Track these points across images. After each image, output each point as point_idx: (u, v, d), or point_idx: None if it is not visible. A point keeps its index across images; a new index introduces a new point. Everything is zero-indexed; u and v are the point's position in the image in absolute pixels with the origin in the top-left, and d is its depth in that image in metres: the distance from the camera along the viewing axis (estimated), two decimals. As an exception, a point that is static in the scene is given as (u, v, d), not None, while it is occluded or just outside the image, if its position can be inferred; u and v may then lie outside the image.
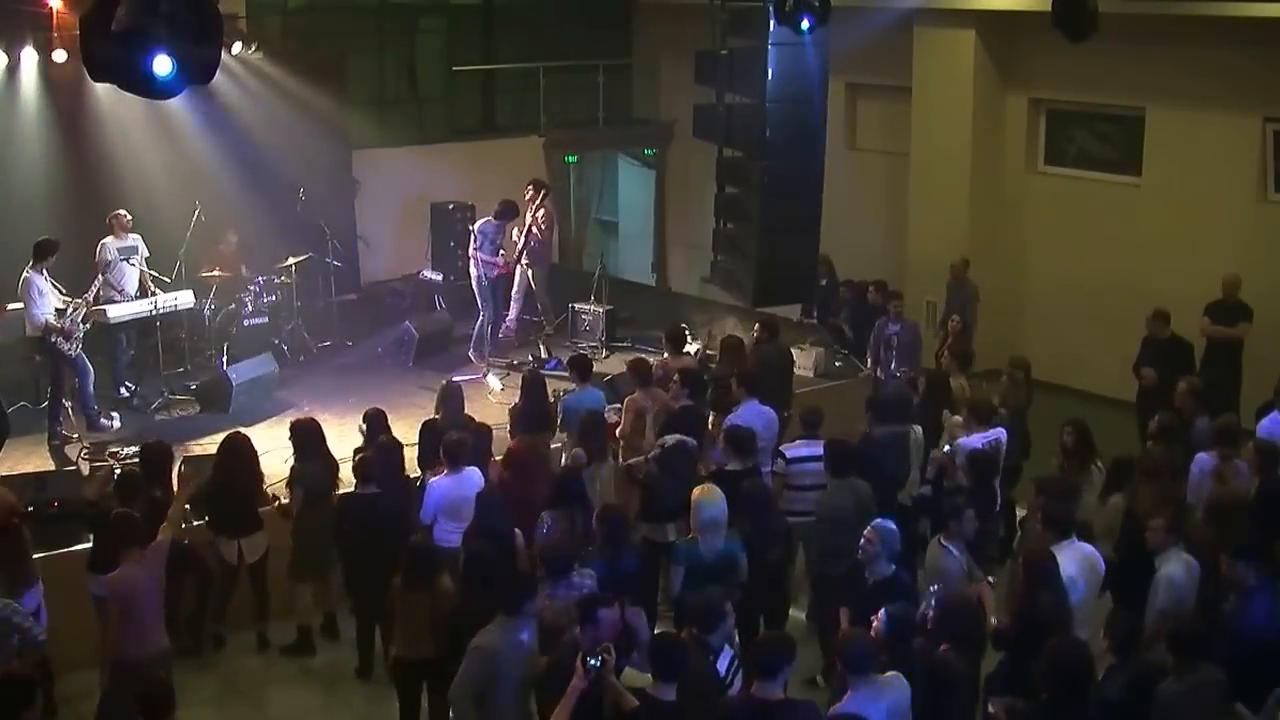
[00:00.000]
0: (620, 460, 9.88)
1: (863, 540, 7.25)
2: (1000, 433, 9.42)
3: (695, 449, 9.19)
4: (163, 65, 5.53)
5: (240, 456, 9.11)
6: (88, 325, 11.16)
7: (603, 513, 7.83)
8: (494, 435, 9.82)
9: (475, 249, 13.27)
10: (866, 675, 6.01)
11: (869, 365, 12.69)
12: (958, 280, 13.67)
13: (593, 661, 5.82)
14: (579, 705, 5.87)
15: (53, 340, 10.88)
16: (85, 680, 8.44)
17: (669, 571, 8.11)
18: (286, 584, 9.26)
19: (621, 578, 7.42)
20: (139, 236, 12.09)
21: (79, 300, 11.06)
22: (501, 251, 13.29)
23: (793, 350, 12.22)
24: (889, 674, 6.09)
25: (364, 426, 9.55)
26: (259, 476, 9.19)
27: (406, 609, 7.50)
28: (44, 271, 10.91)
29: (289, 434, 9.43)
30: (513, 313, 13.99)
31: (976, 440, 9.14)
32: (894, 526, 7.34)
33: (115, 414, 11.63)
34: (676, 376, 10.14)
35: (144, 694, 6.10)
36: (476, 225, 13.42)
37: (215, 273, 13.09)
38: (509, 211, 13.35)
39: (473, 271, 13.36)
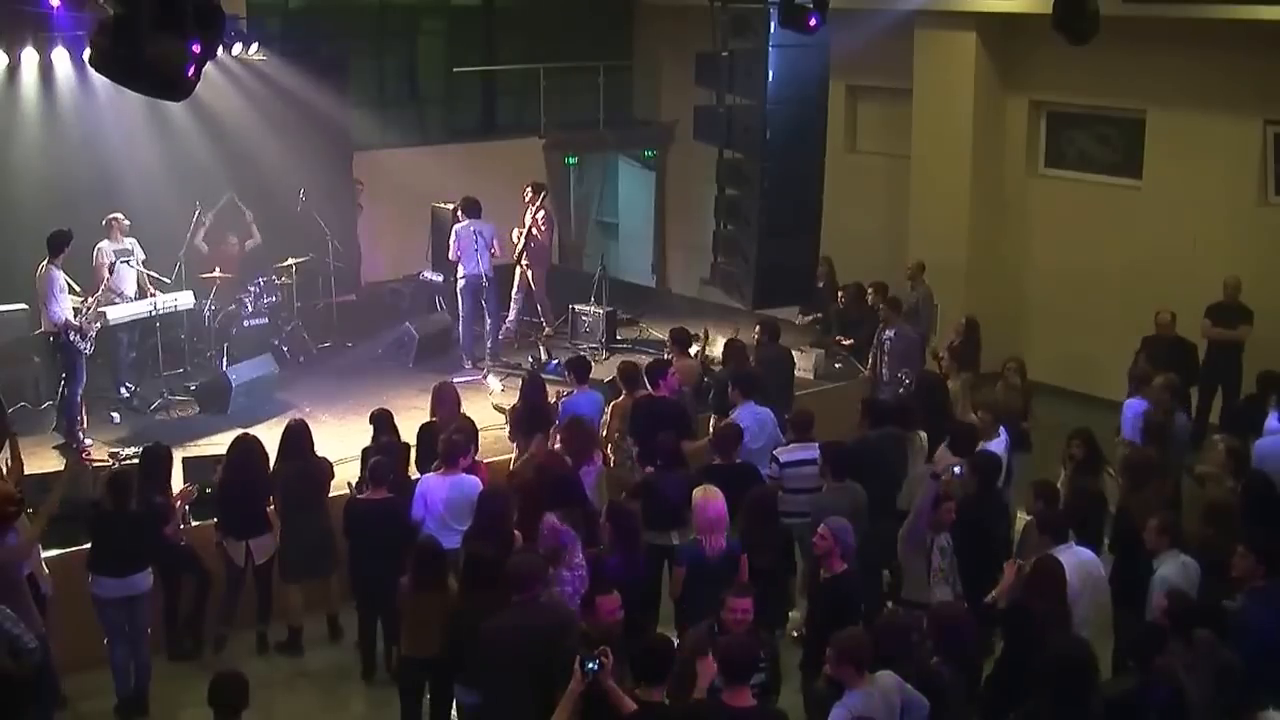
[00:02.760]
0: (610, 465, 9.90)
1: (815, 538, 7.32)
2: (1006, 439, 9.45)
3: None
4: (193, 68, 5.54)
5: (250, 458, 9.11)
6: (98, 325, 11.09)
7: (613, 513, 7.82)
8: (490, 435, 9.83)
9: (475, 249, 13.17)
10: (862, 675, 6.02)
11: (869, 368, 12.69)
12: (913, 284, 13.64)
13: (590, 665, 5.84)
14: (577, 708, 5.89)
15: (70, 337, 10.79)
16: (86, 680, 8.45)
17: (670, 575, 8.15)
18: (276, 585, 9.28)
19: (635, 577, 7.49)
20: (134, 240, 12.08)
21: (90, 300, 11.00)
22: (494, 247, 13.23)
23: (793, 352, 12.22)
24: (881, 672, 6.11)
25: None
26: (268, 478, 9.19)
27: (415, 608, 7.51)
28: (60, 265, 10.83)
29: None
30: (511, 314, 13.97)
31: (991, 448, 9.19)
32: (847, 524, 7.39)
33: (116, 414, 11.63)
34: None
35: (215, 689, 6.05)
36: (474, 228, 13.19)
37: (216, 273, 13.07)
38: (474, 209, 13.22)
39: (469, 273, 13.25)
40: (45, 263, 10.82)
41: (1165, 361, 11.41)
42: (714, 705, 6.01)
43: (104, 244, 11.82)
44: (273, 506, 9.19)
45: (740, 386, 10.04)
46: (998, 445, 9.20)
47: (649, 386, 10.14)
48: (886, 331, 12.34)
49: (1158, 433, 9.48)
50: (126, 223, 11.94)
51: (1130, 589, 7.67)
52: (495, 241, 13.21)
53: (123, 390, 12.05)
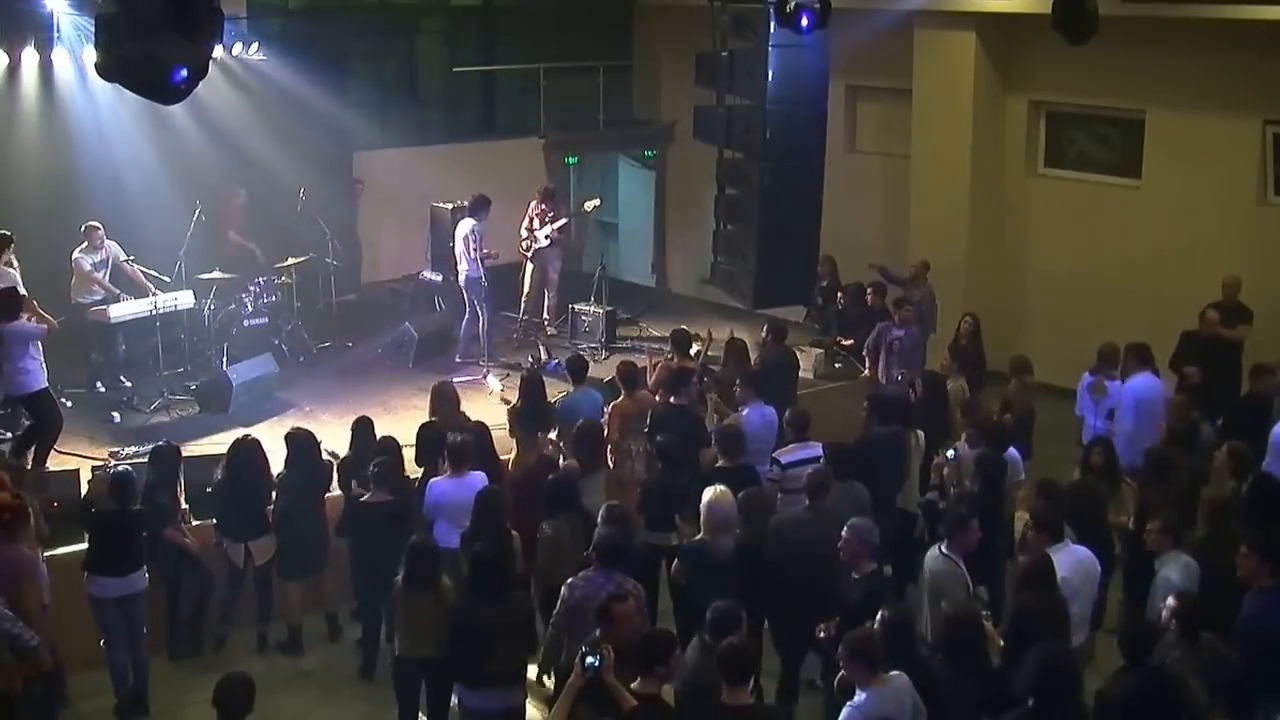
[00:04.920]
0: (611, 466, 9.90)
1: (841, 542, 7.31)
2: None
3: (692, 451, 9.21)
4: (181, 72, 5.53)
5: (249, 459, 9.11)
6: None
7: (610, 513, 7.85)
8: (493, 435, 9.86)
9: (464, 250, 13.15)
10: (875, 674, 6.03)
11: (868, 368, 12.67)
12: (916, 283, 13.63)
13: (591, 660, 5.85)
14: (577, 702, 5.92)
15: None
16: (86, 680, 8.45)
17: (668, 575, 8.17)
18: (276, 584, 9.29)
19: (642, 574, 7.55)
20: (114, 244, 12.07)
21: None
22: (486, 251, 13.20)
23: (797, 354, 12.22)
24: (893, 673, 6.11)
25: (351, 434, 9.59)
26: (268, 479, 9.21)
27: (409, 609, 7.52)
28: None
29: (285, 441, 9.42)
30: (524, 312, 13.97)
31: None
32: (870, 524, 7.40)
33: (116, 414, 11.63)
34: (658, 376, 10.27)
35: (221, 691, 5.99)
36: (469, 227, 13.19)
37: (215, 273, 13.06)
38: (481, 207, 13.26)
39: (467, 273, 13.26)
40: None
41: (1200, 359, 11.37)
42: (713, 706, 6.01)
43: (80, 255, 11.87)
44: (272, 507, 9.20)
45: (751, 385, 10.04)
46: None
47: (671, 396, 10.08)
48: (894, 330, 12.29)
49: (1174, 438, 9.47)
50: (101, 234, 11.95)
51: (1145, 586, 7.71)
52: (476, 240, 13.21)
53: (122, 380, 12.04)
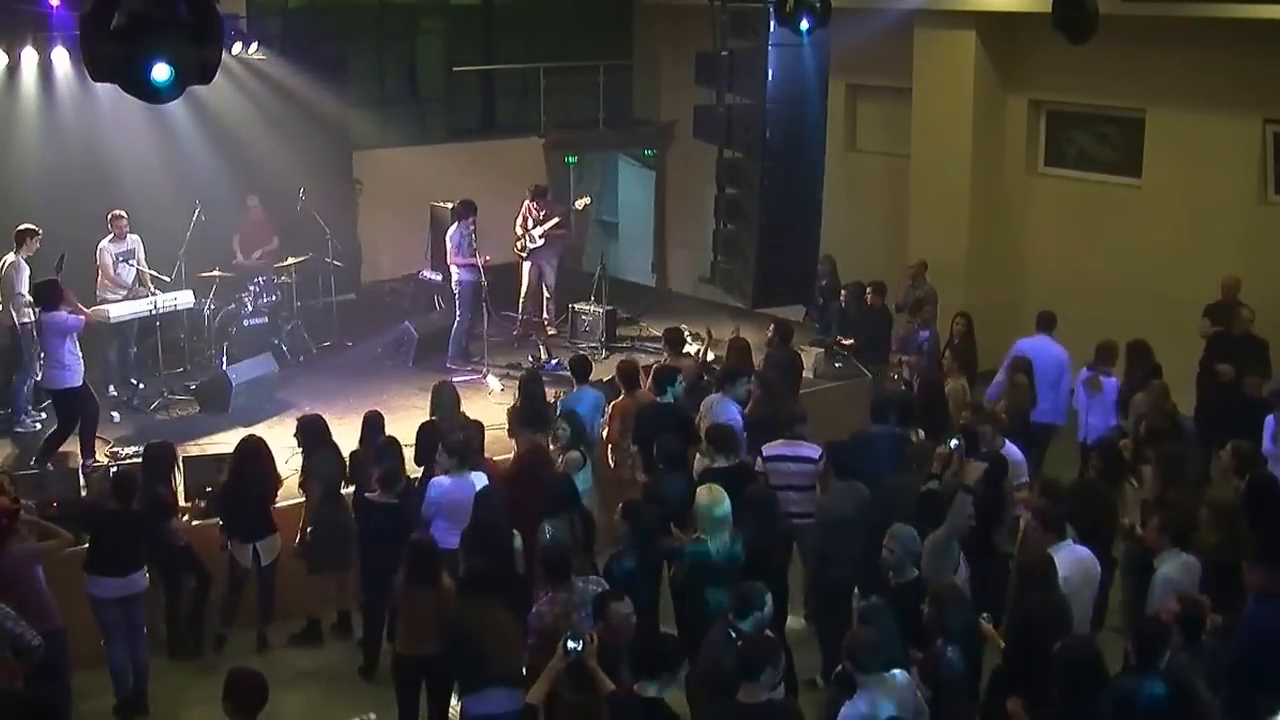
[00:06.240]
0: (612, 465, 9.89)
1: (884, 552, 7.26)
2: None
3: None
4: (161, 71, 5.51)
5: (255, 460, 9.11)
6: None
7: (627, 509, 7.85)
8: (490, 434, 9.85)
9: (454, 254, 13.21)
10: (875, 674, 6.02)
11: (893, 368, 12.61)
12: (916, 283, 13.62)
13: (573, 645, 5.85)
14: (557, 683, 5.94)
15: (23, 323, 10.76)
16: (86, 680, 8.44)
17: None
18: (305, 576, 9.26)
19: (652, 574, 7.56)
20: (138, 238, 12.10)
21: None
22: (476, 252, 13.21)
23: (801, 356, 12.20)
24: (895, 671, 6.10)
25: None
26: (275, 479, 9.20)
27: (409, 606, 7.52)
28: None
29: (295, 431, 9.41)
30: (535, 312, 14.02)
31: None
32: (913, 532, 7.35)
33: (116, 414, 11.62)
34: (652, 376, 10.26)
35: (234, 689, 5.79)
36: (453, 232, 13.26)
37: (216, 272, 13.05)
38: (466, 212, 13.28)
39: (454, 276, 13.32)
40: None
41: (1232, 358, 11.34)
42: (730, 704, 5.97)
43: (106, 244, 11.87)
44: (304, 498, 9.20)
45: (718, 380, 10.04)
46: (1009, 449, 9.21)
47: (655, 392, 10.11)
48: (921, 332, 12.24)
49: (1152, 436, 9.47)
50: (126, 221, 11.97)
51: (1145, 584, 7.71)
52: (454, 244, 13.24)
53: (133, 381, 12.04)
